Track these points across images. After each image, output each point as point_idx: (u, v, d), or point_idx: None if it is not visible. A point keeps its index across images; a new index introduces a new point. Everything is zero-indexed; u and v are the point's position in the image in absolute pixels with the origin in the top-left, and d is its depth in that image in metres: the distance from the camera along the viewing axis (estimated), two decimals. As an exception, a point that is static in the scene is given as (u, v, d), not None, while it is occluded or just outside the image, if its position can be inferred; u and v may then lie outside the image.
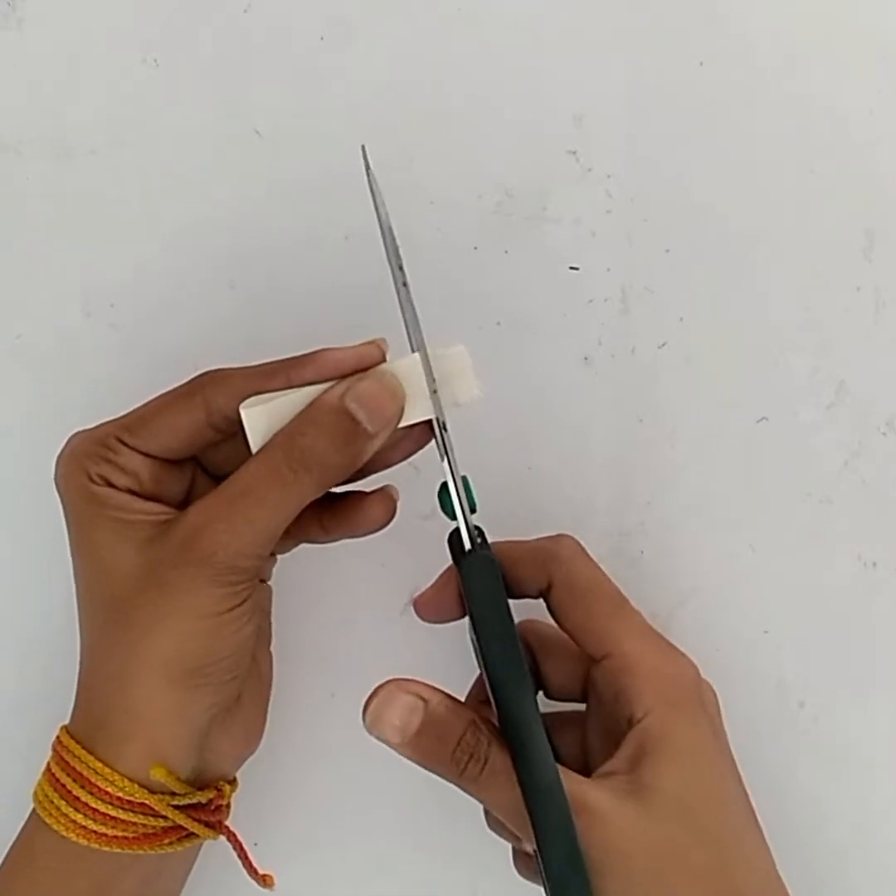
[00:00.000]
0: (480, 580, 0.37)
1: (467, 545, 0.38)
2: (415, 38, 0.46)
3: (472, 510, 0.38)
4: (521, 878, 0.41)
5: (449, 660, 0.44)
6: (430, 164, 0.46)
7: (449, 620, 0.40)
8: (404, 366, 0.37)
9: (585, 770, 0.40)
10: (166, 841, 0.38)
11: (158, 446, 0.38)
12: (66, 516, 0.38)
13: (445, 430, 0.38)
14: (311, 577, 0.45)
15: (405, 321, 0.38)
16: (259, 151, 0.46)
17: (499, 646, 0.37)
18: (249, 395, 0.37)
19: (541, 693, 0.42)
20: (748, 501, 0.46)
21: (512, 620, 0.37)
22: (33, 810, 0.38)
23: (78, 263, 0.46)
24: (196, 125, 0.46)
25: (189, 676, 0.36)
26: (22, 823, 0.39)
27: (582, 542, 0.40)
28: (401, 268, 0.38)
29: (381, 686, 0.37)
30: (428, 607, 0.40)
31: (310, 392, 0.37)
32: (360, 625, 0.46)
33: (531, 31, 0.46)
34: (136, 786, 0.37)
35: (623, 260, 0.46)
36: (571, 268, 0.46)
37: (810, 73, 0.46)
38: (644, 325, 0.46)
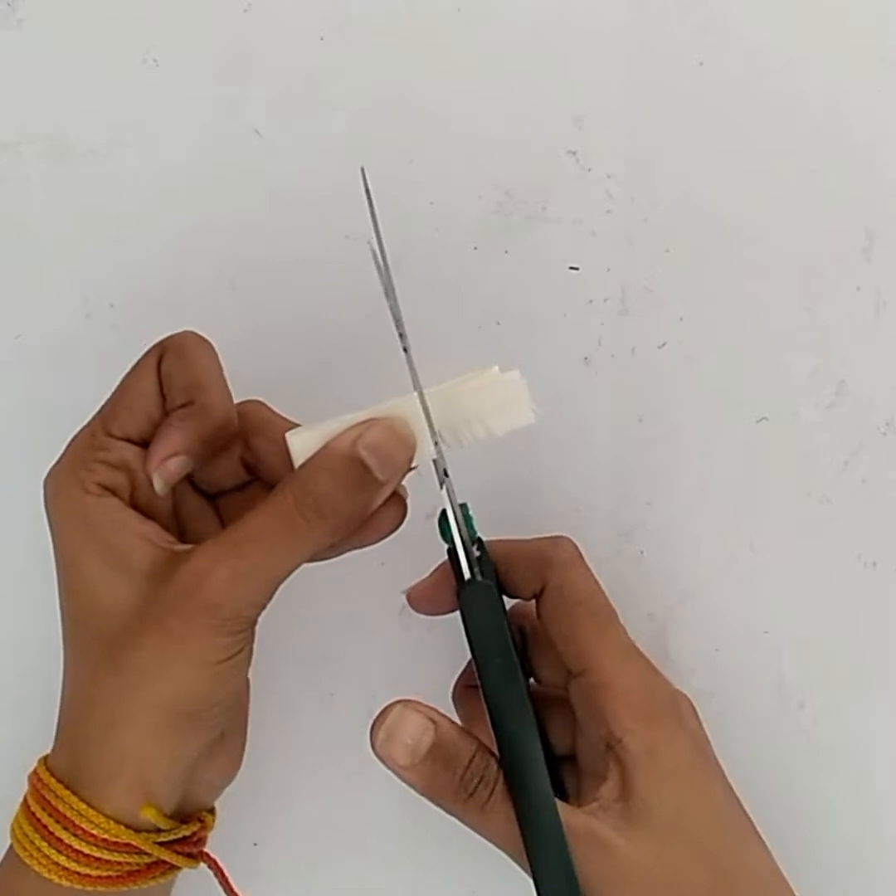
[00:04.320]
0: (480, 613, 0.37)
1: (467, 575, 0.38)
2: (415, 38, 0.46)
3: (472, 537, 0.38)
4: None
5: (448, 659, 0.44)
6: (430, 164, 0.46)
7: (442, 613, 0.40)
8: (403, 412, 0.37)
9: (572, 756, 0.40)
10: (150, 876, 0.37)
11: (138, 423, 0.37)
12: (54, 544, 0.37)
13: (447, 476, 0.37)
14: (310, 576, 0.45)
15: (413, 377, 0.37)
16: (259, 151, 0.46)
17: (500, 679, 0.36)
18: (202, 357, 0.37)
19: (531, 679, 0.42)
20: (748, 502, 0.46)
21: (513, 651, 0.37)
22: (11, 848, 0.38)
23: (78, 264, 0.46)
24: (196, 125, 0.46)
25: (183, 721, 0.36)
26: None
27: (579, 546, 0.40)
28: (402, 335, 0.37)
29: (389, 707, 0.36)
30: (422, 601, 0.41)
31: (352, 419, 0.36)
32: (360, 624, 0.46)
33: (531, 31, 0.46)
34: (121, 827, 0.36)
35: (623, 260, 0.46)
36: (571, 268, 0.46)
37: (810, 73, 0.46)
38: (644, 325, 0.46)
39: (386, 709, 0.36)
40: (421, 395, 0.37)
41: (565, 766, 0.41)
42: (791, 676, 0.46)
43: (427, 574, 0.41)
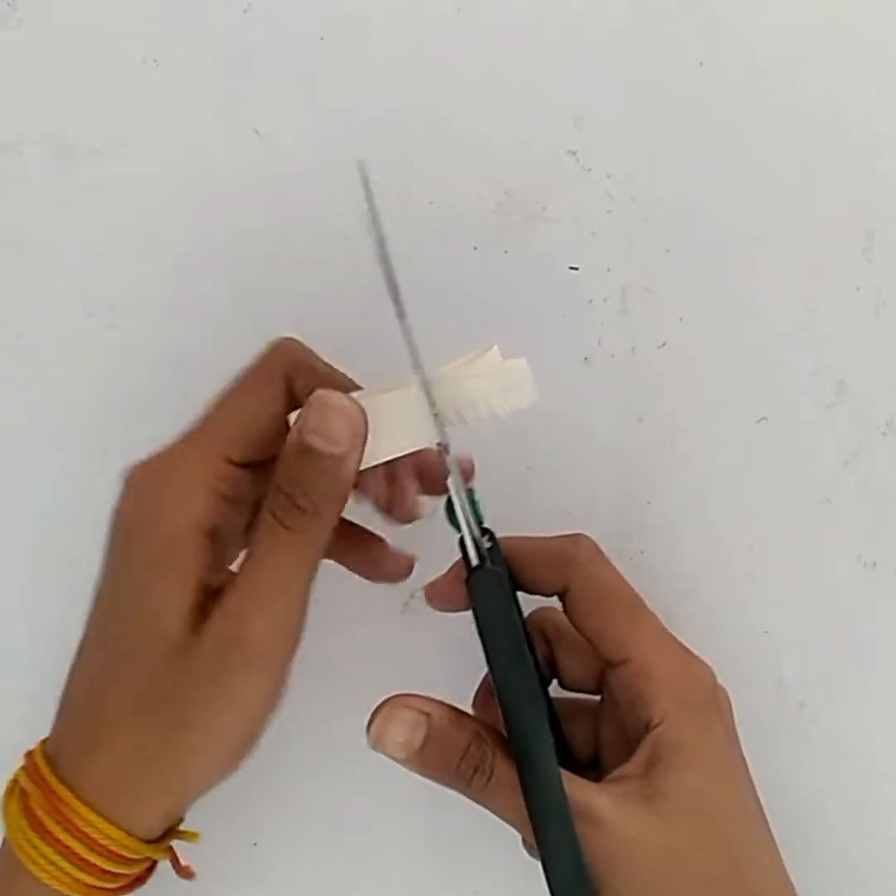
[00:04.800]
0: (488, 598, 0.37)
1: (474, 561, 0.38)
2: (414, 38, 0.46)
3: (480, 524, 0.38)
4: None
5: (451, 659, 0.44)
6: (429, 164, 0.46)
7: (459, 609, 0.40)
8: (407, 394, 0.37)
9: (595, 761, 0.40)
10: (147, 879, 0.38)
11: (261, 448, 0.38)
12: (124, 553, 0.37)
13: (447, 452, 0.37)
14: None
15: (409, 349, 0.37)
16: (259, 151, 0.46)
17: (508, 662, 0.36)
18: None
19: (555, 682, 0.42)
20: (748, 501, 0.46)
21: (522, 636, 0.37)
22: (8, 850, 0.36)
23: (78, 263, 0.46)
24: (196, 125, 0.46)
25: (229, 769, 0.36)
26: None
27: (598, 543, 0.40)
28: (397, 299, 0.37)
29: (382, 703, 0.37)
30: (439, 597, 0.40)
31: (356, 398, 0.36)
32: (361, 624, 0.46)
33: (531, 31, 0.46)
34: (147, 844, 0.36)
35: (623, 260, 0.46)
36: (571, 268, 0.46)
37: (810, 73, 0.46)
38: (644, 325, 0.46)
39: (378, 707, 0.37)
40: (420, 370, 0.37)
41: (587, 775, 0.41)
42: (791, 676, 0.46)
43: (444, 570, 0.41)
